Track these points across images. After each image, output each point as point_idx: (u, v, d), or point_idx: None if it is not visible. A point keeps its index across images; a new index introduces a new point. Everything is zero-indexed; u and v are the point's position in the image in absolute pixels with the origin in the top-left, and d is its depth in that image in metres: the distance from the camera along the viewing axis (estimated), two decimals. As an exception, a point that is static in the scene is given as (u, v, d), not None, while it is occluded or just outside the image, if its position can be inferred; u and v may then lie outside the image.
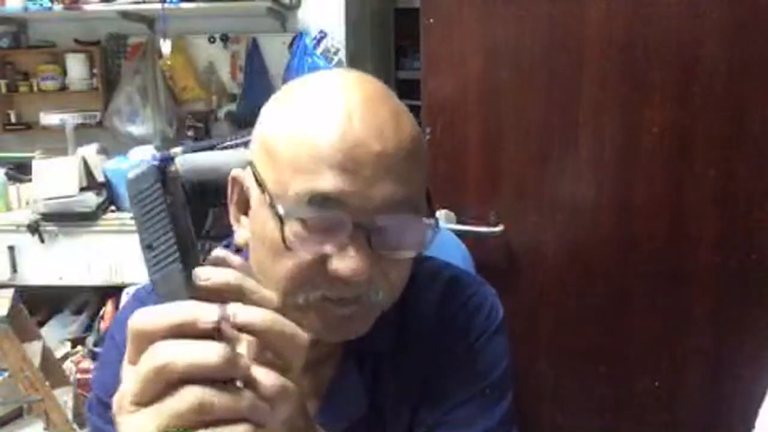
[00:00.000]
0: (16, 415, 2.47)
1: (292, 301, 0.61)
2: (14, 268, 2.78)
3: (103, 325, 2.80)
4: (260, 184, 0.61)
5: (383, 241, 0.59)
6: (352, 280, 0.58)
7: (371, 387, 0.70)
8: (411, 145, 0.60)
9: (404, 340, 0.72)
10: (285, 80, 3.01)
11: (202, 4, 2.84)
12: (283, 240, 0.58)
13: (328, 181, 0.57)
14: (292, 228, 0.58)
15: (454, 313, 0.73)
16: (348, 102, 0.59)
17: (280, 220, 0.57)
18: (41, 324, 2.91)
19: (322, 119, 0.59)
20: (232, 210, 0.68)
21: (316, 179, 0.57)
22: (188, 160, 2.47)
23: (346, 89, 0.61)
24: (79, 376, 2.59)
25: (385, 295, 0.62)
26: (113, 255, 2.74)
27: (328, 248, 0.58)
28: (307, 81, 0.64)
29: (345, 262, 0.57)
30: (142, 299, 0.77)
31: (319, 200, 0.57)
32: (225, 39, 3.15)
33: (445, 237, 1.12)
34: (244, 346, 0.45)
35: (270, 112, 0.65)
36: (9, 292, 2.45)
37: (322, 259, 0.58)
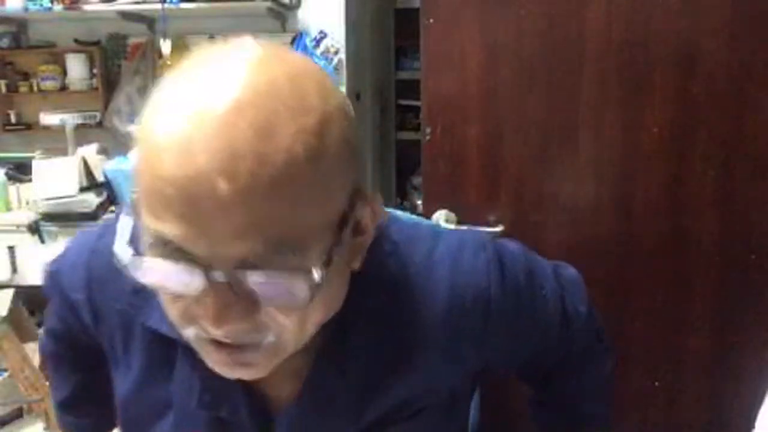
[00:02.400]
0: (16, 415, 2.47)
1: (181, 332, 0.53)
2: (14, 268, 2.78)
3: (103, 325, 2.80)
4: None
5: (251, 295, 0.48)
6: (222, 336, 0.49)
7: (354, 377, 0.63)
8: (286, 167, 0.44)
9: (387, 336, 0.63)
10: (285, 80, 3.01)
11: (202, 5, 2.84)
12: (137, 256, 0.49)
13: (169, 227, 0.45)
14: (153, 262, 0.48)
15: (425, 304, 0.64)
16: (199, 114, 0.44)
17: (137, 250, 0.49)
18: (41, 324, 2.91)
19: (164, 140, 0.45)
20: None
21: (160, 220, 0.46)
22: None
23: (209, 90, 0.45)
24: (79, 376, 2.59)
25: (281, 338, 0.51)
26: (113, 255, 2.74)
27: (188, 290, 0.48)
28: (182, 71, 0.49)
29: (206, 316, 0.48)
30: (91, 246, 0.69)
31: (168, 245, 0.46)
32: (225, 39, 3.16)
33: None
34: None
35: (146, 108, 0.50)
36: (9, 293, 2.45)
37: (192, 302, 0.49)
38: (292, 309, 0.50)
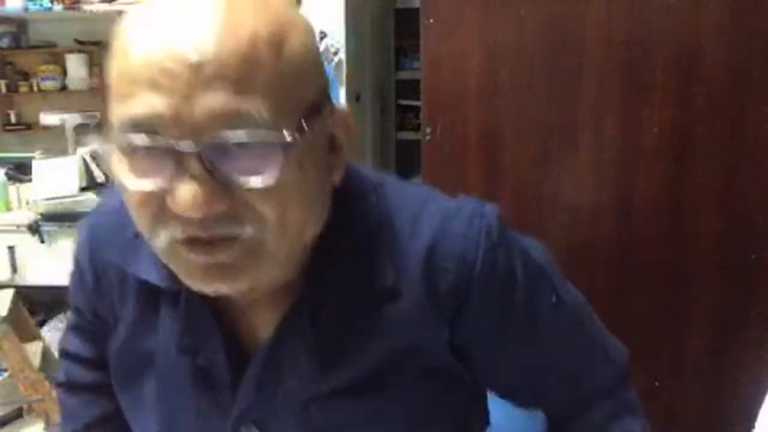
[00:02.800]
0: (16, 415, 2.47)
1: (155, 245, 0.53)
2: (14, 269, 2.78)
3: (103, 325, 2.80)
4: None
5: (227, 162, 0.48)
6: (193, 215, 0.48)
7: (323, 332, 0.61)
8: (254, 49, 0.48)
9: (364, 285, 0.61)
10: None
11: (202, 4, 2.84)
12: (112, 177, 0.51)
13: (140, 104, 0.47)
14: (122, 163, 0.50)
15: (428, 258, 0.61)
16: (166, 4, 0.49)
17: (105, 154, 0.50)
18: (41, 324, 2.91)
19: (133, 28, 0.49)
20: None
21: (130, 102, 0.48)
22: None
23: None
24: (79, 376, 2.59)
25: (259, 230, 0.51)
26: (113, 255, 2.74)
27: (158, 182, 0.49)
28: None
29: (178, 196, 0.48)
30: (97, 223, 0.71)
31: (137, 127, 0.48)
32: (225, 39, 3.16)
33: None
34: None
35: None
36: (9, 293, 2.45)
37: (162, 197, 0.49)
38: (268, 189, 0.49)
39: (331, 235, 0.59)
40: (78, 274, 0.72)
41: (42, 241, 2.74)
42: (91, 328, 0.73)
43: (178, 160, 0.48)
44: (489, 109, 1.49)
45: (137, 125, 0.48)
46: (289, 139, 0.48)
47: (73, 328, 0.76)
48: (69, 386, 0.78)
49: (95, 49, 3.21)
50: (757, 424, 0.88)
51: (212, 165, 0.48)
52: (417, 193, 0.66)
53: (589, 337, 0.73)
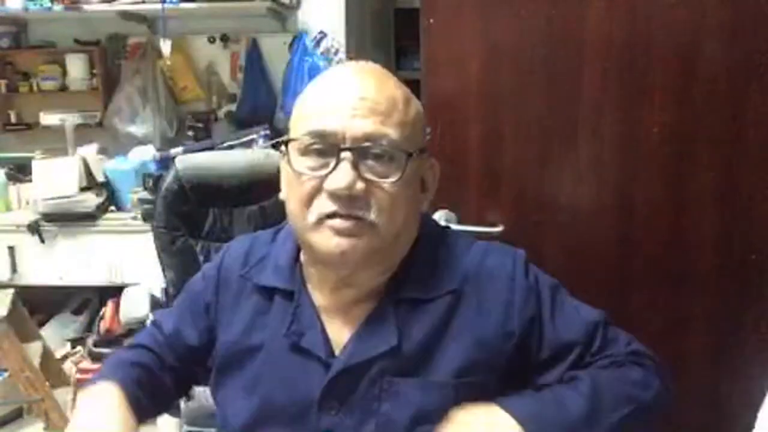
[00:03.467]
0: (16, 415, 2.48)
1: (305, 223, 0.81)
2: (14, 269, 2.79)
3: (103, 325, 2.80)
4: (285, 145, 0.83)
5: (368, 165, 0.79)
6: (341, 192, 0.77)
7: (402, 326, 0.83)
8: (393, 100, 0.81)
9: (436, 288, 0.86)
10: (285, 80, 3.02)
11: (202, 5, 2.85)
12: (291, 167, 0.81)
13: (320, 120, 0.80)
14: (299, 161, 0.81)
15: (482, 266, 0.89)
16: (343, 69, 0.88)
17: (287, 151, 0.82)
18: (41, 324, 2.92)
19: (322, 82, 0.85)
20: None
21: (312, 120, 0.81)
22: (188, 161, 2.47)
23: (345, 66, 0.90)
24: (79, 376, 2.59)
25: (378, 217, 0.79)
26: (113, 255, 2.75)
27: (323, 171, 0.79)
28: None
29: (334, 178, 0.78)
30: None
31: (315, 135, 0.80)
32: (225, 39, 3.16)
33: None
34: None
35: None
36: (9, 293, 2.45)
37: (322, 181, 0.79)
38: (390, 190, 0.79)
39: (411, 255, 0.88)
40: (203, 281, 0.98)
41: (42, 241, 2.75)
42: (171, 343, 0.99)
43: (337, 158, 0.78)
44: (489, 109, 1.49)
45: (316, 135, 0.79)
46: (411, 151, 0.81)
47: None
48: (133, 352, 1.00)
49: (95, 49, 3.21)
50: (757, 424, 0.88)
51: (358, 163, 0.78)
52: (467, 237, 0.97)
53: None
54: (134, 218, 2.71)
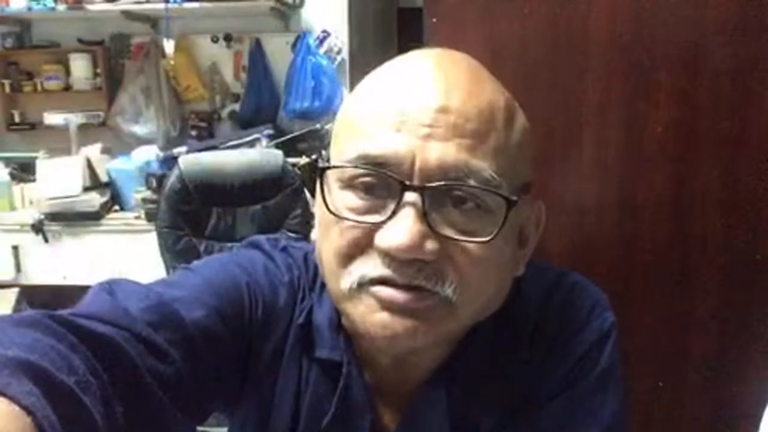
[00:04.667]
0: (20, 414, 2.48)
1: (341, 289, 0.53)
2: (18, 268, 2.79)
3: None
4: (321, 173, 0.54)
5: (445, 215, 0.50)
6: (400, 255, 0.48)
7: (456, 406, 0.61)
8: (492, 112, 0.51)
9: (500, 358, 0.61)
10: (288, 80, 3.03)
11: (205, 4, 2.85)
12: (326, 206, 0.52)
13: (379, 141, 0.49)
14: (340, 197, 0.52)
15: (557, 328, 0.61)
16: (415, 65, 0.53)
17: (323, 182, 0.53)
18: (45, 323, 2.92)
19: (383, 83, 0.53)
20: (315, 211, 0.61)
21: (366, 140, 0.50)
22: (192, 160, 2.48)
23: (422, 54, 0.55)
24: (82, 375, 2.59)
25: (457, 293, 0.51)
26: (117, 254, 2.75)
27: (374, 216, 0.50)
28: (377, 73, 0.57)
29: (391, 231, 0.48)
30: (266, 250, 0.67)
31: (364, 161, 0.50)
32: (228, 39, 3.16)
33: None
34: None
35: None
36: (13, 292, 2.46)
37: (371, 232, 0.50)
38: (478, 254, 0.50)
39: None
40: (246, 290, 0.62)
41: (46, 241, 2.75)
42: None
43: (399, 200, 0.49)
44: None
45: (366, 161, 0.50)
46: (514, 197, 0.50)
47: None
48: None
49: (99, 48, 3.22)
50: (762, 426, 0.88)
51: (431, 211, 0.49)
52: (545, 272, 0.65)
53: None
54: (138, 218, 2.72)
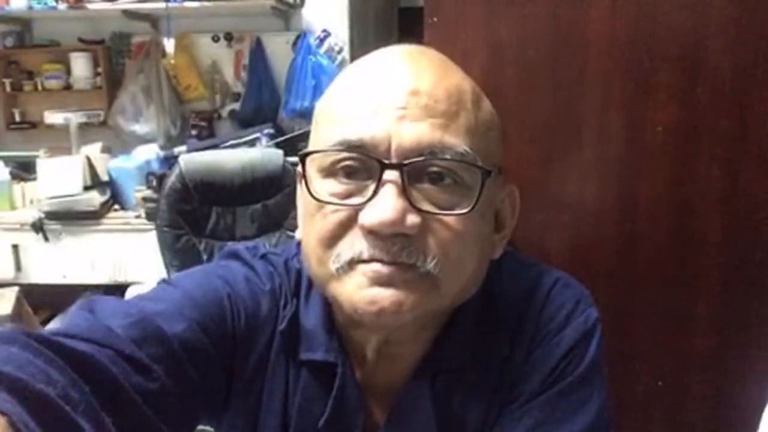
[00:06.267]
0: (20, 413, 2.48)
1: (326, 272, 0.55)
2: (18, 267, 2.79)
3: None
4: (301, 158, 0.57)
5: (424, 190, 0.53)
6: (384, 230, 0.51)
7: (441, 399, 0.62)
8: (459, 95, 0.56)
9: (481, 353, 0.62)
10: (288, 79, 3.03)
11: (205, 3, 2.85)
12: (309, 191, 0.54)
13: (356, 125, 0.53)
14: (321, 185, 0.55)
15: (539, 324, 0.63)
16: (387, 56, 0.59)
17: (305, 173, 0.56)
18: (45, 322, 2.92)
19: (357, 74, 0.58)
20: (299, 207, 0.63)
21: (345, 126, 0.53)
22: (192, 159, 2.48)
23: (390, 50, 0.60)
24: (82, 374, 2.59)
25: (439, 267, 0.53)
26: (117, 253, 2.75)
27: (356, 198, 0.53)
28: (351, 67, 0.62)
29: (374, 209, 0.51)
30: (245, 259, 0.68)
31: (344, 146, 0.53)
32: (229, 38, 3.16)
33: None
34: None
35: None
36: (13, 291, 2.46)
37: (354, 214, 0.53)
38: (457, 227, 0.53)
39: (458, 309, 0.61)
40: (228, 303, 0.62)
41: (46, 240, 2.75)
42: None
43: (379, 179, 0.51)
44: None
45: (349, 146, 0.53)
46: (489, 169, 0.54)
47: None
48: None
49: (99, 47, 3.21)
50: (761, 425, 0.88)
51: (410, 187, 0.52)
52: (528, 269, 0.69)
53: None
54: (138, 217, 2.72)
